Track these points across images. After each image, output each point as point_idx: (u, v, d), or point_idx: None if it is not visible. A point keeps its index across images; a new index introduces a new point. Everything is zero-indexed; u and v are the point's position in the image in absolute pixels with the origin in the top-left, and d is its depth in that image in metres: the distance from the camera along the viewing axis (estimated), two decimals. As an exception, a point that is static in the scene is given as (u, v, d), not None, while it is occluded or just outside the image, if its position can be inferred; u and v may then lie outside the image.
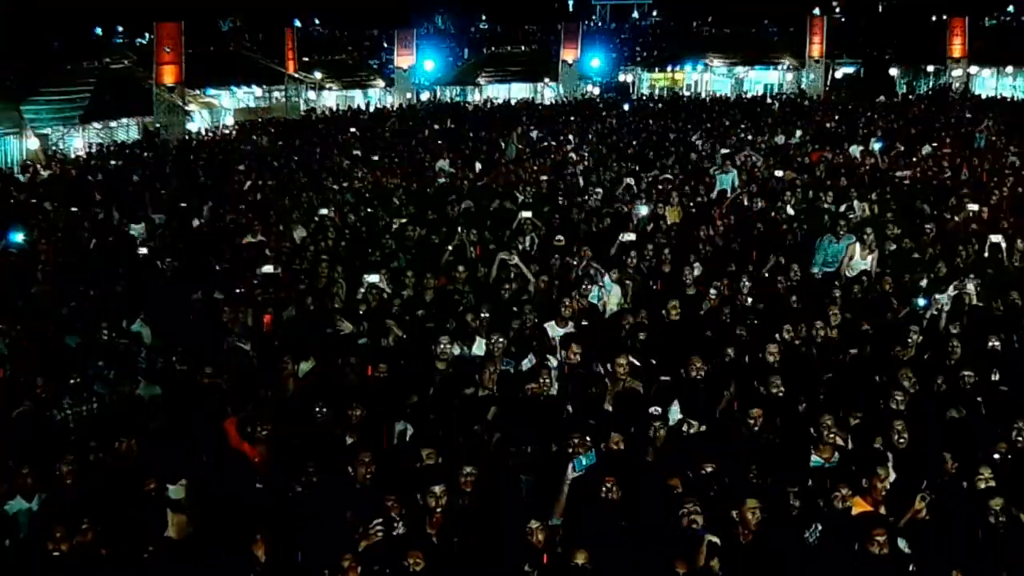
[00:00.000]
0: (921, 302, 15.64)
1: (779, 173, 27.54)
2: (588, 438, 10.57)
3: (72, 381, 12.33)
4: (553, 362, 13.31)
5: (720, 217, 22.06)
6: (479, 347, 13.85)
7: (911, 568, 8.98)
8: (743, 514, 9.23)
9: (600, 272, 16.65)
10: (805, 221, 21.87)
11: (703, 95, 52.74)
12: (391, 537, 8.96)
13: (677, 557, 8.61)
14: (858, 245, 18.42)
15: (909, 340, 13.86)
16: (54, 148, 39.85)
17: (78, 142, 41.79)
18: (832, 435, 10.85)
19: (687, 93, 55.42)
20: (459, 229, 19.84)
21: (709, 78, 62.09)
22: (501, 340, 13.59)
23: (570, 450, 10.33)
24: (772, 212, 22.47)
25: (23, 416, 11.65)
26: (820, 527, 9.24)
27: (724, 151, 32.22)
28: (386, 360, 13.16)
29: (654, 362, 13.41)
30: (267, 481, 10.31)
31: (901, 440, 10.78)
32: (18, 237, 20.65)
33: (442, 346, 13.21)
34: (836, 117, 44.02)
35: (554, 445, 10.81)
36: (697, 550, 8.75)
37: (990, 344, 13.91)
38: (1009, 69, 57.64)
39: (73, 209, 25.93)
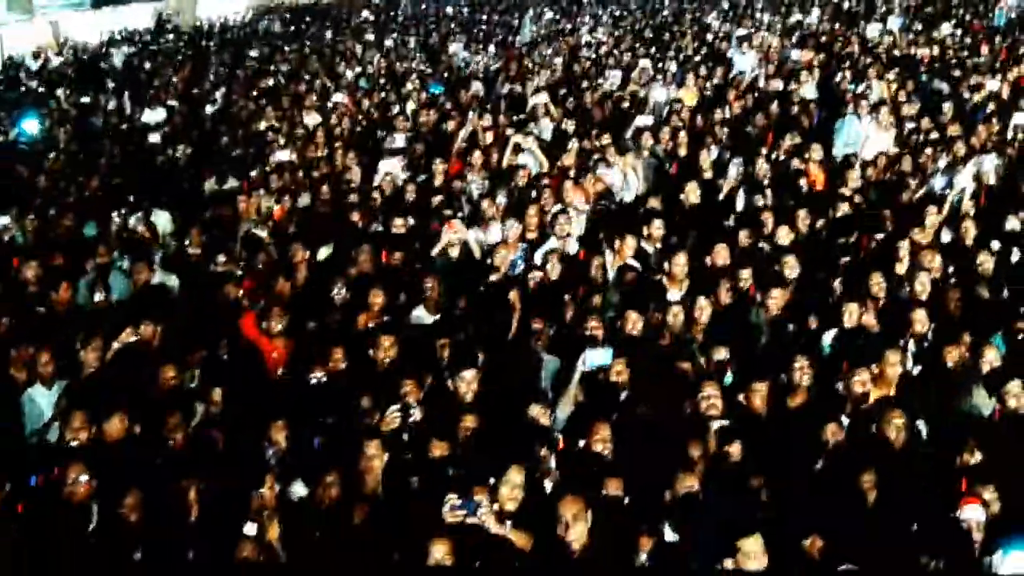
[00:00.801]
0: (939, 182, 15.58)
1: (796, 54, 27.29)
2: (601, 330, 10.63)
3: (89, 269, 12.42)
4: (572, 246, 13.38)
5: (736, 99, 21.87)
6: (495, 233, 13.84)
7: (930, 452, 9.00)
8: (750, 397, 9.28)
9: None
10: (823, 102, 21.72)
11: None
12: (409, 423, 9.00)
13: (690, 440, 8.65)
14: (875, 124, 18.32)
15: (927, 222, 13.78)
16: (65, 35, 39.48)
17: (89, 28, 41.35)
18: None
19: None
20: (471, 113, 19.70)
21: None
22: (517, 225, 13.61)
23: (586, 333, 10.40)
24: (789, 93, 22.29)
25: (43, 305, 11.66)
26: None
27: (740, 32, 31.93)
28: (401, 247, 13.19)
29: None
30: (285, 371, 10.39)
31: (920, 327, 10.79)
32: (32, 127, 20.55)
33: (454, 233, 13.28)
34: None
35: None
36: (707, 434, 8.81)
37: (1009, 225, 13.88)
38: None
39: (85, 98, 25.85)
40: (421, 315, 11.70)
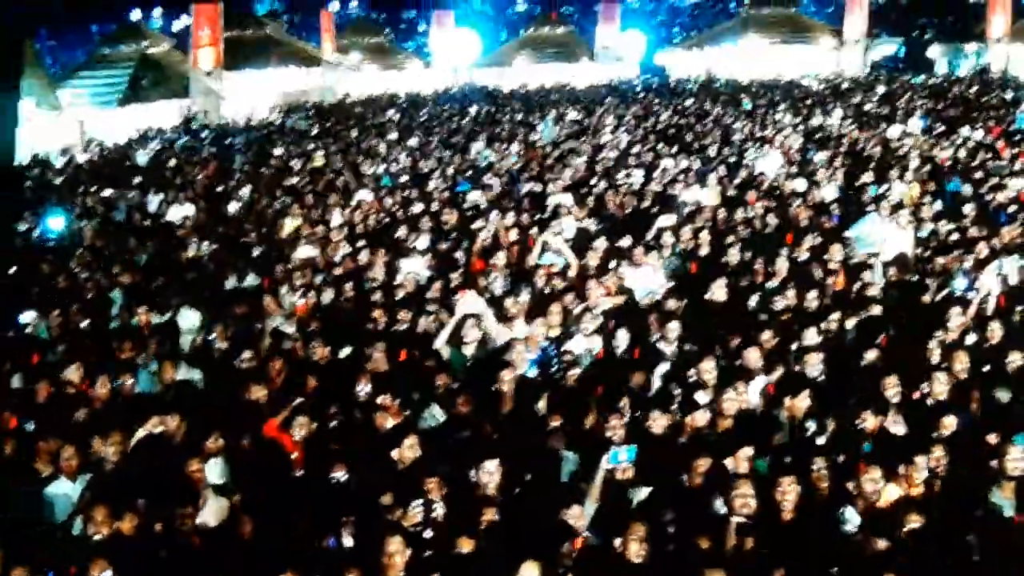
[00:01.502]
0: (960, 284, 15.63)
1: (817, 155, 27.53)
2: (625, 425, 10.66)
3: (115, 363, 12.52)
4: (596, 344, 13.48)
5: (756, 200, 22.02)
6: (518, 331, 13.91)
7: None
8: (779, 494, 9.28)
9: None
10: (844, 202, 21.84)
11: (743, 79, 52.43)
12: (432, 519, 9.05)
13: (704, 536, 8.68)
14: (896, 225, 18.41)
15: (950, 324, 13.79)
16: (90, 134, 39.93)
17: (116, 126, 41.80)
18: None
19: (722, 76, 55.05)
20: (493, 213, 19.85)
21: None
22: (541, 323, 13.75)
23: (608, 434, 10.43)
24: (809, 193, 22.45)
25: (66, 398, 11.71)
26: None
27: (761, 134, 32.24)
28: (420, 345, 13.30)
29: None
30: (307, 468, 10.41)
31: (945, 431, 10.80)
32: (58, 224, 20.73)
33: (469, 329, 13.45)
34: (875, 98, 43.76)
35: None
36: (725, 530, 8.84)
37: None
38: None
39: (107, 192, 26.18)
40: (435, 412, 11.78)
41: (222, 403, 11.68)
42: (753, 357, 12.64)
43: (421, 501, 9.04)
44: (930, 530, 8.89)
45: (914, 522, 8.81)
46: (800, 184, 23.66)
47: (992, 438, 10.42)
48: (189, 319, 14.91)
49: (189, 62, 49.12)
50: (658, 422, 10.87)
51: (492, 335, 13.65)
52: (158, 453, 10.23)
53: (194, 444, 10.24)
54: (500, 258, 17.08)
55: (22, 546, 8.38)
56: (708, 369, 12.20)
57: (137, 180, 27.90)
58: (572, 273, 16.51)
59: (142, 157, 34.30)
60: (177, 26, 67.12)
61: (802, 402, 11.38)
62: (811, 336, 13.37)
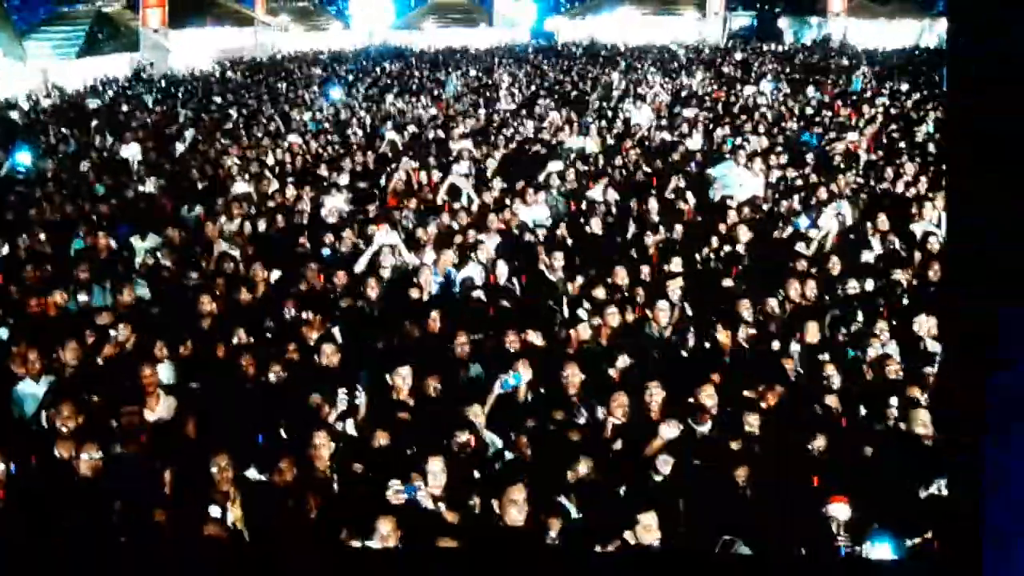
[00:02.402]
0: (803, 222, 15.86)
1: (686, 112, 27.75)
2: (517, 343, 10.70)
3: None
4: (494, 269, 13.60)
5: (631, 148, 22.17)
6: (427, 258, 13.96)
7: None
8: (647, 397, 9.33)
9: None
10: (707, 152, 22.10)
11: (619, 44, 52.47)
12: (357, 416, 9.17)
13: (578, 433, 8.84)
14: (750, 172, 18.64)
15: (801, 254, 14.12)
16: (53, 80, 39.35)
17: (74, 76, 41.22)
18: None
19: (602, 41, 55.03)
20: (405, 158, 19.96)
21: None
22: (446, 251, 13.85)
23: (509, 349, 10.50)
24: (677, 143, 22.66)
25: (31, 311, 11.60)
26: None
27: (636, 91, 32.42)
28: (342, 267, 13.34)
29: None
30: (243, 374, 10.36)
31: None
32: (25, 159, 20.35)
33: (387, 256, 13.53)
34: (733, 63, 44.00)
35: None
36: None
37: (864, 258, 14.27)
38: (882, 22, 57.63)
39: (66, 131, 25.90)
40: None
41: (171, 316, 11.61)
42: (621, 275, 12.97)
43: (344, 400, 9.10)
44: (773, 431, 9.07)
45: (754, 426, 9.00)
46: (667, 135, 23.93)
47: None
48: (141, 243, 14.75)
49: (139, 20, 48.56)
50: (538, 339, 10.96)
51: (405, 261, 13.68)
52: (115, 360, 10.19)
53: (145, 350, 10.18)
54: (410, 195, 17.09)
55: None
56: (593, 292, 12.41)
57: (94, 123, 27.45)
58: (473, 208, 16.58)
59: (97, 103, 33.79)
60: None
61: (664, 316, 11.56)
62: (675, 264, 13.54)
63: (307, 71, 43.95)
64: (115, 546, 7.19)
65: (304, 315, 11.52)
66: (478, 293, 12.74)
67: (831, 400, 9.77)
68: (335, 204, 16.61)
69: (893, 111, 27.51)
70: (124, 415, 8.81)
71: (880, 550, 7.08)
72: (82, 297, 12.08)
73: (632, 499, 7.68)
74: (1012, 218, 1.62)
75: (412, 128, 25.50)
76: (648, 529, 7.06)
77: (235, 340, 10.78)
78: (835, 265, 13.59)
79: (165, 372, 10.09)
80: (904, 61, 42.08)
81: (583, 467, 8.07)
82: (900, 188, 18.12)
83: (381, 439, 8.54)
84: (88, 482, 7.77)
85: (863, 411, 9.76)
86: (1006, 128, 1.55)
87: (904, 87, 32.62)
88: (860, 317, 11.88)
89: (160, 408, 9.41)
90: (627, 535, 7.06)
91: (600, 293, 12.46)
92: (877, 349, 10.84)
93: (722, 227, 15.39)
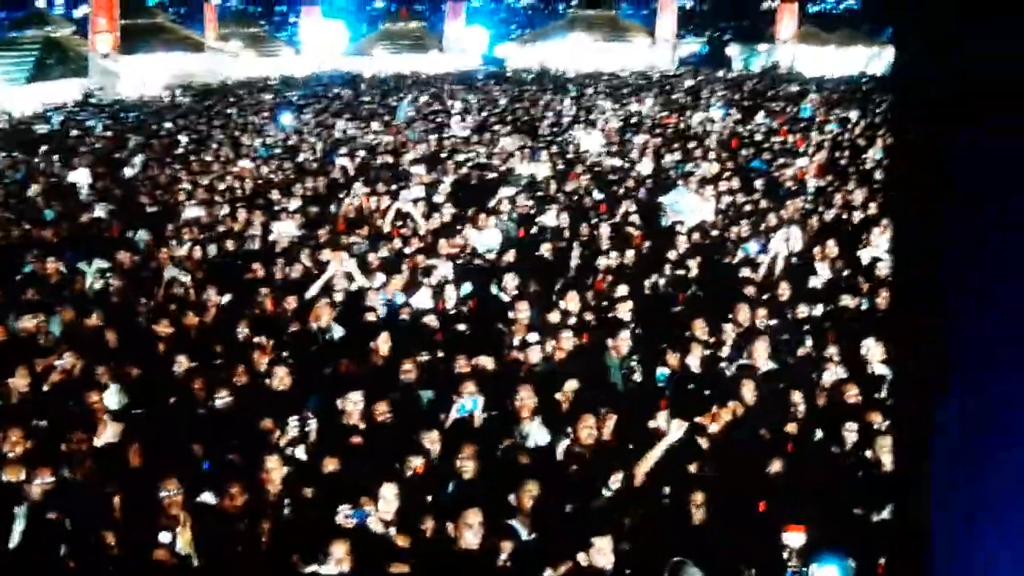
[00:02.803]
0: (752, 247, 15.99)
1: (637, 138, 27.90)
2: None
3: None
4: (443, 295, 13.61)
5: (582, 173, 22.30)
6: (377, 283, 13.97)
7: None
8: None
9: None
10: (656, 177, 22.22)
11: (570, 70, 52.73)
12: (308, 441, 9.14)
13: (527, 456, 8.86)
14: (700, 198, 18.77)
15: (750, 279, 14.24)
16: (1, 107, 39.19)
17: (23, 101, 41.14)
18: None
19: (552, 68, 55.30)
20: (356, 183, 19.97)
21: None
22: (396, 276, 13.85)
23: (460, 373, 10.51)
24: (627, 169, 22.82)
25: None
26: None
27: (585, 118, 32.60)
28: (294, 292, 13.32)
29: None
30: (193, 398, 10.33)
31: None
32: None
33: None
34: (682, 89, 44.31)
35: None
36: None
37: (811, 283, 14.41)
38: (830, 49, 58.27)
39: (14, 154, 25.79)
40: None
41: (120, 341, 11.57)
42: (573, 299, 13.09)
43: (296, 425, 9.09)
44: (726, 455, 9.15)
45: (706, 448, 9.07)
46: (618, 161, 24.08)
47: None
48: (89, 268, 14.67)
49: (88, 45, 48.41)
50: (490, 363, 11.00)
51: (360, 286, 13.68)
52: (63, 385, 10.14)
53: (92, 377, 10.13)
54: (361, 221, 17.13)
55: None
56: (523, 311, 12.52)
57: (43, 148, 27.33)
58: (422, 233, 16.63)
59: (47, 128, 33.65)
60: (78, 13, 65.62)
61: (624, 346, 11.61)
62: (622, 289, 13.61)
63: (257, 96, 43.86)
64: (64, 572, 7.18)
65: (255, 339, 11.49)
66: (428, 318, 12.75)
67: (790, 427, 9.85)
68: (285, 229, 16.63)
69: (841, 138, 27.77)
70: (71, 441, 8.77)
71: (827, 572, 7.14)
72: (29, 323, 11.94)
73: (585, 520, 7.70)
74: (959, 240, 1.67)
75: (363, 153, 25.45)
76: (601, 552, 7.09)
77: (185, 364, 10.74)
78: (784, 291, 13.71)
79: (112, 397, 10.03)
80: (853, 88, 42.50)
81: (533, 489, 8.09)
82: (847, 214, 18.30)
83: (331, 464, 8.54)
84: (38, 507, 7.71)
85: (820, 435, 9.83)
86: (958, 149, 1.60)
87: (853, 114, 32.94)
88: (809, 342, 12.01)
89: (107, 433, 9.35)
90: (580, 557, 7.09)
91: (554, 317, 12.52)
92: (833, 374, 10.95)
93: (672, 253, 15.49)
